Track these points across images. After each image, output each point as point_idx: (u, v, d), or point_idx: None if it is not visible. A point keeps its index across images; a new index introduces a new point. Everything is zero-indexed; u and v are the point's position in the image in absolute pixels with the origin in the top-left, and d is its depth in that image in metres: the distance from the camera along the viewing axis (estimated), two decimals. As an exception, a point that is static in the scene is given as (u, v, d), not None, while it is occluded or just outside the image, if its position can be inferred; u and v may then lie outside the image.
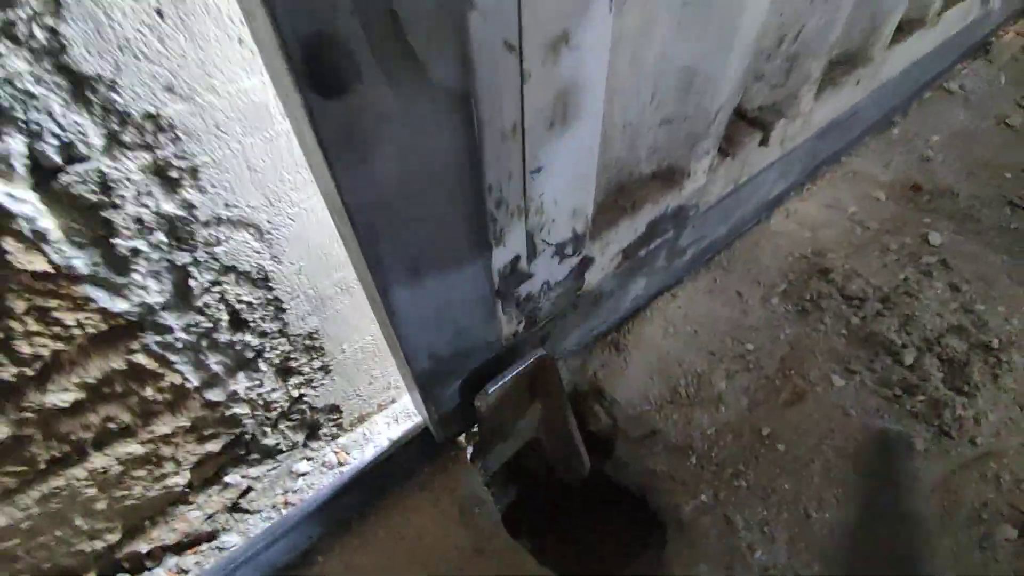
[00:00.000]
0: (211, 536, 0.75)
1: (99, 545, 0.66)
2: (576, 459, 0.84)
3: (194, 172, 0.46)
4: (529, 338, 0.72)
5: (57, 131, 0.37)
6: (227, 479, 0.74)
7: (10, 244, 0.39)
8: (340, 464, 0.83)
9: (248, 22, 0.34)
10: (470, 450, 0.88)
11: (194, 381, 0.60)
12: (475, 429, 0.84)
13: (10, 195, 0.37)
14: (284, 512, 0.78)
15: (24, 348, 0.46)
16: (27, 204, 0.38)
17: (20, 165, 0.37)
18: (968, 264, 1.07)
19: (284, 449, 0.78)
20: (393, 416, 0.90)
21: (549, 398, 0.77)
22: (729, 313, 1.00)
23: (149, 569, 0.72)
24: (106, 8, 0.35)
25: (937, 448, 0.80)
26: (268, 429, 0.73)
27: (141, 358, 0.54)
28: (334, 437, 0.84)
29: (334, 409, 0.80)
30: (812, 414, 0.85)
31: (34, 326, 0.45)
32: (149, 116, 0.40)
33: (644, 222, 0.75)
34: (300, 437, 0.79)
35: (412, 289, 0.49)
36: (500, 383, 0.66)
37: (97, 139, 0.39)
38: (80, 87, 0.36)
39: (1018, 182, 1.24)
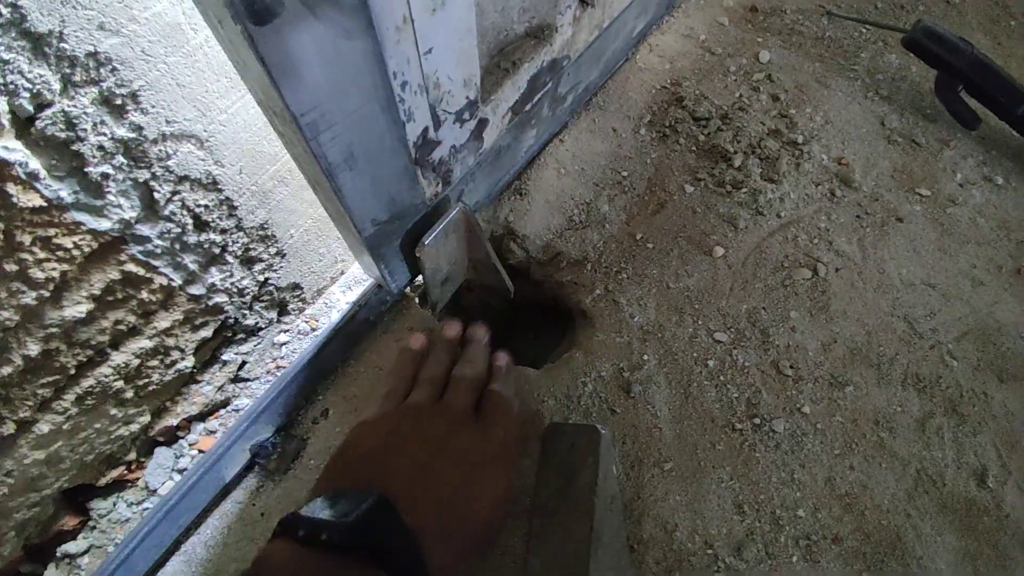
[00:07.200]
0: (225, 403, 0.92)
1: (134, 428, 0.81)
2: (501, 283, 1.06)
3: (134, 97, 0.52)
4: (448, 197, 0.88)
5: (28, 85, 0.43)
6: (224, 357, 0.89)
7: (12, 188, 0.46)
8: (313, 330, 0.99)
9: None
10: (417, 300, 1.07)
11: (177, 280, 0.71)
12: (419, 279, 1.02)
13: (5, 147, 0.44)
14: (279, 373, 0.95)
15: (38, 274, 0.55)
16: (17, 152, 0.45)
17: (5, 120, 0.43)
18: (788, 75, 1.31)
19: (263, 326, 0.92)
20: (346, 285, 1.06)
21: (472, 238, 0.95)
22: (607, 148, 1.20)
23: (182, 438, 0.89)
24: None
25: (753, 225, 1.10)
26: (246, 312, 0.86)
27: (131, 267, 0.64)
28: (301, 310, 0.99)
29: (296, 287, 0.94)
30: (671, 216, 1.12)
31: (41, 254, 0.54)
32: (90, 54, 0.46)
33: (525, 79, 0.88)
34: (273, 315, 0.93)
35: (351, 171, 0.62)
36: (433, 234, 0.83)
37: (56, 84, 0.45)
38: (38, 44, 0.41)
39: (831, -8, 1.45)
